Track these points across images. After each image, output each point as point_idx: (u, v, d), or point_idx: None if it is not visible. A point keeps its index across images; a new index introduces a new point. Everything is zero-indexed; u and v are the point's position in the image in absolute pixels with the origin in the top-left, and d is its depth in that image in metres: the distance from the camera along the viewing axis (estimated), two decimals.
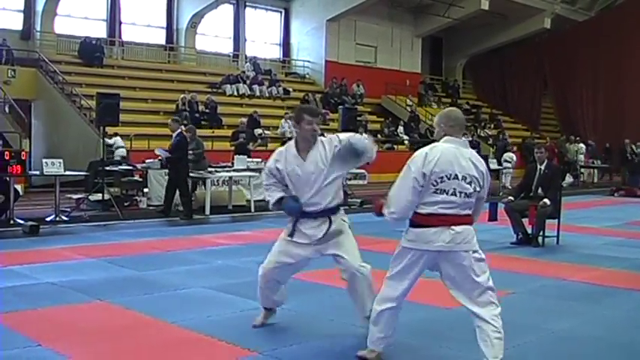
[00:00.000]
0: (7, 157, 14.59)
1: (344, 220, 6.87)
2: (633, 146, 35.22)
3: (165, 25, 35.51)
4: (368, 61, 40.86)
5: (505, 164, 27.33)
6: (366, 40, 40.57)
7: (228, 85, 33.05)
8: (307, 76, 39.41)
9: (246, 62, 36.67)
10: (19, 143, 20.92)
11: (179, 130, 17.06)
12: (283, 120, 29.95)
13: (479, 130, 39.05)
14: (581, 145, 35.17)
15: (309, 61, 39.38)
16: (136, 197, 18.26)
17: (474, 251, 5.93)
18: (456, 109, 6.34)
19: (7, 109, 24.88)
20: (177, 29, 35.64)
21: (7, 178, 14.80)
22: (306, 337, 6.84)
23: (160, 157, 17.90)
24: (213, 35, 37.63)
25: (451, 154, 5.81)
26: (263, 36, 39.61)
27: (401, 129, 36.41)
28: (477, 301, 5.98)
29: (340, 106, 24.36)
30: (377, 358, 6.17)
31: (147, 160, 18.63)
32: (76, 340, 6.66)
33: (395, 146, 34.44)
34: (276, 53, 39.99)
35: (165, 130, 26.46)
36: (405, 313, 7.71)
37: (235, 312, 7.65)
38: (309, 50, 39.24)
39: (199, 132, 26.91)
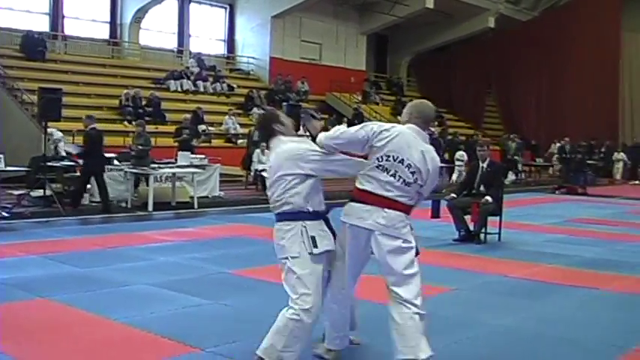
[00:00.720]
0: None
1: None
2: (568, 146, 35.99)
3: (109, 19, 35.20)
4: (313, 58, 40.91)
5: (457, 162, 27.61)
6: (311, 37, 40.61)
7: (172, 81, 32.87)
8: (252, 72, 39.33)
9: (190, 58, 36.52)
10: None
11: (92, 126, 17.15)
12: (227, 116, 29.95)
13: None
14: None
15: (254, 58, 39.31)
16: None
17: (404, 240, 5.79)
18: (430, 105, 6.26)
19: None
20: (121, 24, 35.37)
21: None
22: (249, 334, 6.86)
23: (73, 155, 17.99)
24: (158, 30, 37.40)
25: (406, 140, 5.83)
26: (208, 32, 39.48)
27: (344, 126, 36.49)
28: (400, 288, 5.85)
29: (285, 103, 24.38)
30: (335, 357, 6.21)
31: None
32: (19, 338, 6.63)
33: None
34: (220, 49, 39.89)
35: (109, 126, 26.37)
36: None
37: (178, 309, 7.66)
38: (254, 46, 39.17)
39: None
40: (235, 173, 24.29)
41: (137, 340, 6.62)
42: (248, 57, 39.39)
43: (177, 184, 18.87)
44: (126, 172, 18.18)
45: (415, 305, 5.76)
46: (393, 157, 5.75)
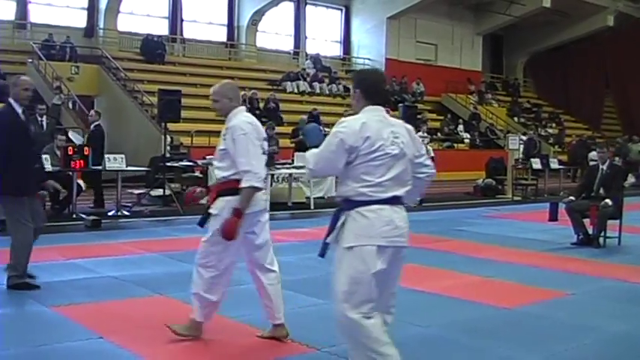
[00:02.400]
0: (70, 153, 14.80)
1: None
2: None
3: (226, 22, 35.78)
4: (428, 59, 40.71)
5: (591, 162, 27.01)
6: (426, 37, 40.44)
7: (289, 83, 33.15)
8: None
9: (306, 59, 36.73)
10: (82, 139, 21.17)
11: (97, 122, 17.42)
12: (343, 117, 29.87)
13: (539, 129, 38.58)
14: None
15: (369, 59, 39.29)
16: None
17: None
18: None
19: (70, 105, 25.20)
20: (238, 27, 35.87)
21: (70, 173, 15.00)
22: None
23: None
24: (274, 33, 37.80)
25: None
26: (323, 33, 39.66)
27: (461, 127, 36.22)
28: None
29: (400, 104, 24.27)
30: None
31: (207, 157, 18.72)
32: (137, 333, 6.71)
33: (454, 144, 34.25)
34: (336, 51, 40.01)
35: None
36: (462, 312, 7.70)
37: (294, 308, 7.63)
38: (370, 48, 39.20)
39: None
40: None
41: (252, 339, 6.63)
42: (363, 58, 39.41)
43: (294, 184, 18.94)
44: None
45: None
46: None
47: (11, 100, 7.97)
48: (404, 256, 5.08)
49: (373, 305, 4.89)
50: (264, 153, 6.25)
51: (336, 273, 4.95)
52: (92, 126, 17.41)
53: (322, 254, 5.04)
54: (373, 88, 5.32)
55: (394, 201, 4.96)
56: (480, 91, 41.59)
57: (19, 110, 7.97)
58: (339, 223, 5.03)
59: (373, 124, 5.03)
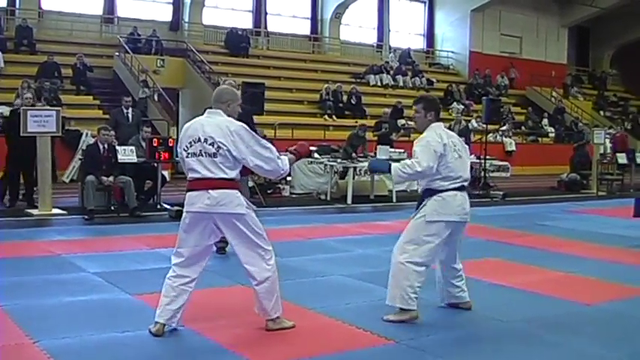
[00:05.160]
0: (155, 144, 15.01)
1: None
2: None
3: (309, 15, 35.88)
4: (512, 52, 40.29)
5: None
6: (510, 30, 40.03)
7: (372, 76, 33.14)
8: (451, 66, 39.15)
9: (390, 52, 36.70)
10: (167, 130, 21.47)
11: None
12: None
13: (626, 124, 37.91)
14: None
15: (452, 52, 39.12)
16: (279, 185, 18.46)
17: (238, 214, 6.23)
18: (223, 87, 6.80)
19: (156, 98, 25.54)
20: (321, 20, 35.95)
21: (155, 164, 15.24)
22: (442, 328, 6.83)
23: None
24: (357, 25, 37.77)
25: (198, 123, 6.28)
26: (407, 26, 39.52)
27: (545, 121, 35.79)
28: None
29: (484, 97, 24.08)
30: (159, 330, 6.33)
31: (289, 149, 18.83)
32: (220, 322, 6.81)
33: (539, 138, 33.88)
34: (419, 44, 39.84)
35: (310, 120, 26.87)
36: (543, 307, 7.65)
37: (374, 300, 7.65)
38: (453, 41, 38.98)
39: (342, 121, 27.12)
40: None
41: (332, 330, 6.67)
42: (447, 51, 39.22)
43: (376, 177, 18.94)
44: (326, 164, 18.44)
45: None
46: (193, 140, 6.22)
47: None
48: None
49: None
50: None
51: None
52: None
53: None
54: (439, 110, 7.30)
55: None
56: (565, 84, 40.98)
57: None
58: None
59: None
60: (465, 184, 7.04)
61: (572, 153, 24.11)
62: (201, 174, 6.15)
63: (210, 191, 6.10)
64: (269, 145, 6.34)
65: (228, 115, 6.32)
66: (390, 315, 6.85)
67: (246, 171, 6.45)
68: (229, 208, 6.15)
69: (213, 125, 6.17)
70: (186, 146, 6.24)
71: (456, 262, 7.20)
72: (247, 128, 6.22)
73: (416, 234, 6.90)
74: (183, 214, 6.34)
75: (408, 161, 6.93)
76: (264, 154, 6.23)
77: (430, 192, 6.93)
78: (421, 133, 7.08)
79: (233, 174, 6.20)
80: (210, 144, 6.10)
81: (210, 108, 6.38)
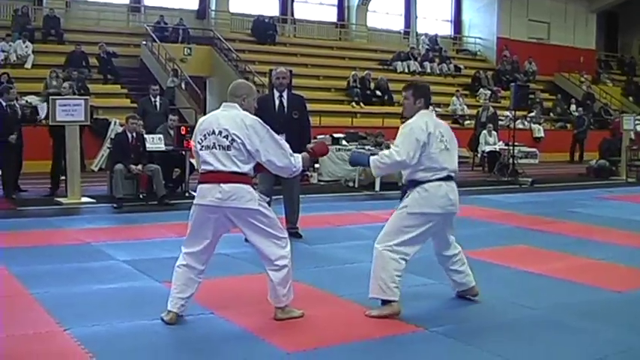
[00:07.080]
0: (183, 132, 15.04)
1: None
2: None
3: (336, 2, 35.79)
4: (540, 38, 40.01)
5: None
6: (538, 15, 39.70)
7: (399, 62, 33.03)
8: (479, 52, 38.97)
9: (418, 37, 36.60)
10: (194, 119, 21.49)
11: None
12: (454, 97, 29.76)
13: None
14: None
15: (480, 38, 38.92)
16: (307, 173, 18.45)
17: (250, 209, 6.19)
18: (239, 82, 6.80)
19: (183, 86, 25.61)
20: (348, 7, 35.87)
21: (183, 152, 15.27)
22: (473, 315, 6.83)
23: None
24: (384, 12, 37.65)
25: (213, 116, 6.38)
26: (434, 12, 39.36)
27: (574, 107, 35.53)
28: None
29: (512, 84, 23.95)
30: (172, 319, 6.33)
31: (318, 136, 18.81)
32: (248, 309, 6.83)
33: (567, 125, 33.67)
34: (447, 30, 39.68)
35: (337, 107, 26.83)
36: (572, 294, 7.61)
37: (403, 287, 7.60)
38: (481, 27, 38.78)
39: (370, 108, 27.08)
40: (462, 154, 24.08)
41: (362, 317, 6.68)
42: (474, 37, 39.05)
43: None
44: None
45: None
46: (207, 132, 6.30)
47: None
48: None
49: None
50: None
51: None
52: None
53: None
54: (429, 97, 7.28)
55: None
56: (594, 70, 40.66)
57: None
58: None
59: None
60: (453, 174, 6.91)
61: (607, 137, 24.06)
62: (213, 167, 6.16)
63: (221, 185, 6.11)
64: (283, 141, 6.32)
65: (244, 110, 6.32)
66: (373, 310, 6.76)
67: (259, 167, 6.40)
68: (241, 203, 6.14)
69: (228, 118, 6.20)
70: (201, 139, 6.29)
71: (449, 249, 7.15)
72: (262, 123, 6.22)
73: (396, 225, 6.80)
74: (193, 207, 6.39)
75: (386, 151, 6.88)
76: (277, 149, 6.22)
77: (414, 183, 6.83)
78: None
79: (246, 168, 6.19)
80: (224, 136, 6.12)
81: (226, 102, 6.39)
